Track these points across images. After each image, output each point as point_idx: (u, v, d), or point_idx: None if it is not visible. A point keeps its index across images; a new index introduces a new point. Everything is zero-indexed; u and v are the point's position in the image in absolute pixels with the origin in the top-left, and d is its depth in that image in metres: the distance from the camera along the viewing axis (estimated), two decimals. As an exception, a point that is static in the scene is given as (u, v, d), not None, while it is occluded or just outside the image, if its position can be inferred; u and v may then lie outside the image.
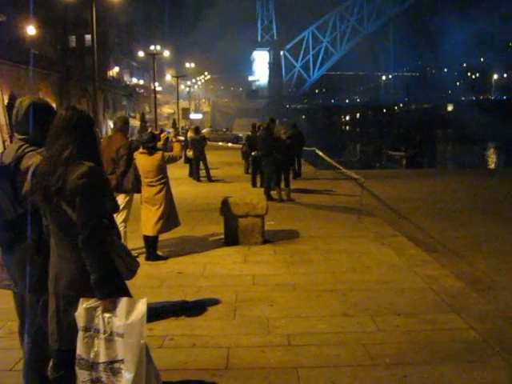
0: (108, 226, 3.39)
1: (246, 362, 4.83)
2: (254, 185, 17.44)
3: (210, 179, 19.60)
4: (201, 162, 19.75)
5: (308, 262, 8.30)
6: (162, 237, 8.74)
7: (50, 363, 3.52)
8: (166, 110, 75.20)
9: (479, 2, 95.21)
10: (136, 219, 8.65)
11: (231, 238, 9.40)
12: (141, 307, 3.12)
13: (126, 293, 3.29)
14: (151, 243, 8.32)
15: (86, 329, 3.09)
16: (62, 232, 3.24)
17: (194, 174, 19.70)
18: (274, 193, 14.42)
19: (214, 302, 6.45)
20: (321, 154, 23.44)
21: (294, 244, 9.46)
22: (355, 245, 9.37)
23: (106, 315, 3.09)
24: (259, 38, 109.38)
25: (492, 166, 45.80)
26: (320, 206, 13.64)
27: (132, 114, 57.29)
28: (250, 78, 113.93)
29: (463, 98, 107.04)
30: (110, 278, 3.14)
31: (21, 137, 3.77)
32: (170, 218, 8.40)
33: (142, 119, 32.32)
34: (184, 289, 6.92)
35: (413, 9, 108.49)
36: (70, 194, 3.14)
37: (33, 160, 3.57)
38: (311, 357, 4.92)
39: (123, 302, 3.12)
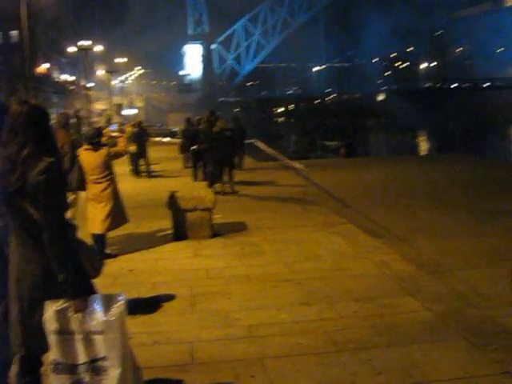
0: (70, 224, 3.28)
1: (210, 356, 4.78)
2: (195, 179, 17.32)
3: (150, 175, 19.38)
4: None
5: (259, 253, 8.29)
6: (109, 235, 8.55)
7: (12, 371, 3.40)
8: (99, 106, 73.90)
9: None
10: (82, 217, 8.44)
11: (180, 232, 9.29)
12: (119, 302, 3.04)
13: (93, 291, 3.19)
14: (99, 241, 8.12)
15: (60, 332, 2.97)
16: (25, 232, 3.11)
17: (134, 170, 19.41)
18: (217, 186, 14.35)
19: (170, 297, 6.36)
20: (261, 145, 23.49)
21: (243, 236, 9.44)
22: (304, 234, 9.42)
23: (79, 315, 2.98)
24: (190, 32, 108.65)
25: (424, 152, 46.94)
26: (265, 198, 13.66)
27: (61, 112, 55.79)
28: (182, 72, 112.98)
29: (392, 88, 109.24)
30: (79, 277, 3.04)
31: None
32: (117, 215, 8.23)
33: (76, 116, 31.72)
34: (137, 286, 6.81)
35: (342, 1, 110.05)
36: (31, 191, 3.01)
37: None
38: (275, 347, 4.92)
39: (98, 298, 3.03)
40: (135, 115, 70.63)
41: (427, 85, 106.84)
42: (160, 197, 10.91)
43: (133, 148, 19.03)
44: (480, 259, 7.85)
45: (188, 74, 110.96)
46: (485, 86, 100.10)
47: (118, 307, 3.03)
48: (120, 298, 3.08)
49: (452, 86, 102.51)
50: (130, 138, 19.13)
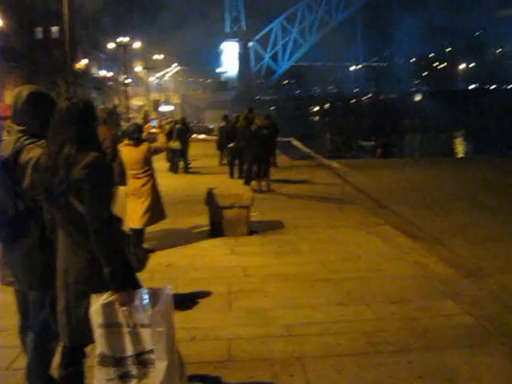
0: (116, 217, 3.32)
1: (248, 354, 4.79)
2: (231, 176, 17.38)
3: (187, 171, 19.52)
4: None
5: (296, 252, 8.28)
6: (147, 230, 8.62)
7: (56, 361, 3.45)
8: (136, 102, 74.59)
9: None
10: (121, 212, 8.52)
11: (217, 229, 9.34)
12: (166, 294, 3.08)
13: (139, 285, 3.22)
14: (138, 236, 8.20)
15: (107, 325, 3.01)
16: (72, 226, 3.15)
17: (174, 166, 19.57)
18: (253, 184, 14.37)
19: (207, 294, 6.39)
20: (297, 143, 23.46)
21: (280, 234, 9.44)
22: (341, 234, 9.38)
23: (126, 308, 3.01)
24: (227, 29, 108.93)
25: (461, 154, 46.35)
26: (300, 196, 13.64)
27: (102, 107, 56.52)
28: (219, 70, 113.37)
29: (430, 88, 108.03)
30: (125, 270, 3.07)
31: (19, 128, 3.64)
32: (156, 210, 8.30)
33: (115, 111, 32.12)
34: (175, 281, 6.84)
35: (380, 0, 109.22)
36: (77, 185, 3.05)
37: (32, 153, 3.45)
38: (313, 346, 4.90)
39: (144, 292, 3.06)
40: (172, 112, 71.17)
41: (469, 86, 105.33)
42: (197, 193, 10.98)
43: (176, 144, 19.20)
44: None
45: (224, 72, 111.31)
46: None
47: (165, 300, 3.06)
48: (167, 291, 3.11)
49: (491, 88, 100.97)
50: (174, 134, 19.43)
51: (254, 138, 14.37)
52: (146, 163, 8.21)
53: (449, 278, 6.85)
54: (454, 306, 5.84)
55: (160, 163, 19.17)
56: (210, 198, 9.34)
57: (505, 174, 17.86)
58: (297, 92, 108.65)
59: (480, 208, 12.07)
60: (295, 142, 24.47)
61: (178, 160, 19.58)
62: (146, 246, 8.42)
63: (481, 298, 6.12)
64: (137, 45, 63.67)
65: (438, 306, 5.86)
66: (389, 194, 14.09)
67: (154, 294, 3.07)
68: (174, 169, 19.55)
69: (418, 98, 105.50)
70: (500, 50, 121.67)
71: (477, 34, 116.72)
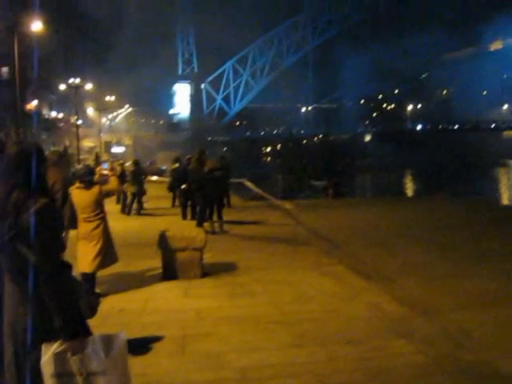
0: (65, 264, 3.27)
1: (202, 399, 4.73)
2: (184, 218, 17.30)
3: (140, 213, 19.39)
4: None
5: (250, 293, 8.26)
6: (99, 274, 8.49)
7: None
8: (87, 143, 74.01)
9: (394, 38, 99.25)
10: (72, 256, 8.38)
11: (170, 272, 9.25)
12: (120, 340, 3.02)
13: (90, 332, 3.16)
14: (89, 280, 8.06)
15: (59, 375, 2.93)
16: (20, 273, 3.08)
17: (128, 208, 19.43)
18: (206, 225, 14.33)
19: (161, 338, 6.30)
20: (250, 184, 23.58)
21: (233, 276, 9.41)
22: (294, 275, 9.40)
23: (78, 357, 2.95)
24: (180, 71, 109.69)
25: (412, 193, 47.24)
26: (254, 237, 13.65)
27: (52, 149, 55.86)
28: (171, 111, 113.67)
29: (379, 129, 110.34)
30: (76, 318, 3.02)
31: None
32: (107, 253, 8.19)
33: (65, 153, 31.78)
34: (128, 326, 6.72)
35: (330, 43, 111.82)
36: (25, 232, 2.99)
37: None
38: (268, 390, 4.87)
39: (97, 339, 3.01)
40: (123, 153, 70.79)
41: (416, 127, 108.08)
42: (150, 235, 10.90)
43: (132, 189, 19.15)
44: (471, 301, 7.85)
45: (177, 113, 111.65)
46: (469, 127, 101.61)
47: (119, 347, 3.01)
48: (120, 337, 3.06)
49: (438, 128, 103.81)
50: (128, 177, 19.40)
51: (207, 179, 14.39)
52: (98, 206, 8.13)
53: (402, 317, 6.92)
54: (407, 345, 5.89)
55: (112, 205, 19.03)
56: (163, 241, 9.28)
57: (454, 212, 18.25)
58: (248, 133, 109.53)
59: (431, 246, 12.25)
60: (248, 183, 24.57)
61: (132, 202, 19.46)
62: (97, 290, 8.27)
63: (434, 337, 6.19)
64: (88, 86, 63.48)
65: (392, 346, 5.91)
66: (341, 233, 14.21)
67: (107, 341, 3.02)
68: (126, 211, 19.40)
69: (368, 138, 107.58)
70: (445, 91, 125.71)
71: (423, 76, 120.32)
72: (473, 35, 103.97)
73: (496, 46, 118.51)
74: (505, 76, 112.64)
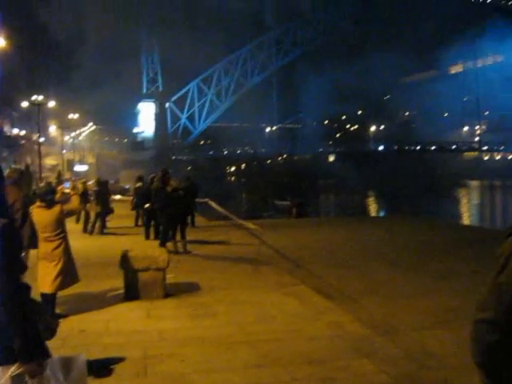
0: (25, 286, 3.22)
1: (163, 422, 4.68)
2: (147, 237, 17.17)
3: (102, 232, 19.20)
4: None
5: (212, 314, 8.23)
6: (59, 294, 8.37)
7: None
8: (50, 161, 73.13)
9: (357, 60, 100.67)
10: (32, 276, 8.25)
11: (132, 292, 9.17)
12: (80, 362, 2.98)
13: (49, 354, 3.11)
14: (49, 301, 7.94)
15: (17, 398, 2.88)
16: None
17: (91, 227, 19.24)
18: (169, 245, 14.25)
19: (122, 360, 6.23)
20: (214, 204, 23.55)
21: (196, 296, 9.36)
22: (257, 295, 9.40)
23: (36, 379, 2.89)
24: (144, 90, 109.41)
25: (374, 213, 47.73)
26: (217, 257, 13.61)
27: (13, 166, 55.11)
28: (135, 130, 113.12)
29: (342, 149, 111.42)
30: (34, 340, 2.96)
31: None
32: (68, 273, 8.09)
33: (27, 171, 31.28)
34: (88, 348, 6.63)
35: (294, 64, 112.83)
36: None
37: None
38: (230, 411, 4.85)
39: (56, 361, 2.96)
40: (86, 171, 70.11)
41: (378, 148, 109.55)
42: (112, 255, 10.80)
43: (96, 208, 18.99)
44: (433, 320, 7.93)
45: (141, 132, 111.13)
46: (430, 149, 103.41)
47: (78, 369, 2.97)
48: (80, 359, 3.01)
49: (400, 149, 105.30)
50: (92, 196, 19.28)
51: (170, 199, 14.34)
52: (59, 226, 8.03)
53: (364, 337, 6.97)
54: (369, 365, 5.93)
55: (72, 224, 18.81)
56: (125, 261, 9.20)
57: (416, 232, 18.48)
58: (212, 152, 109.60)
59: (394, 265, 12.38)
60: (212, 203, 24.54)
61: (95, 221, 19.27)
62: (57, 311, 8.15)
63: (396, 356, 6.25)
64: (52, 104, 62.82)
65: (355, 366, 5.93)
66: (304, 253, 14.26)
67: (67, 363, 2.98)
68: (89, 230, 19.20)
69: (331, 158, 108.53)
70: (407, 113, 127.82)
71: (386, 98, 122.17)
72: (434, 58, 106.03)
73: (456, 69, 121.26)
74: (465, 99, 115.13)
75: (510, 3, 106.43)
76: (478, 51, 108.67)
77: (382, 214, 46.01)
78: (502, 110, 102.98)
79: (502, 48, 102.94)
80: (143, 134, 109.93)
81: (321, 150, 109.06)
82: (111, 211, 20.40)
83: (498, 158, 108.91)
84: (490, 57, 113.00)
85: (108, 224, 20.42)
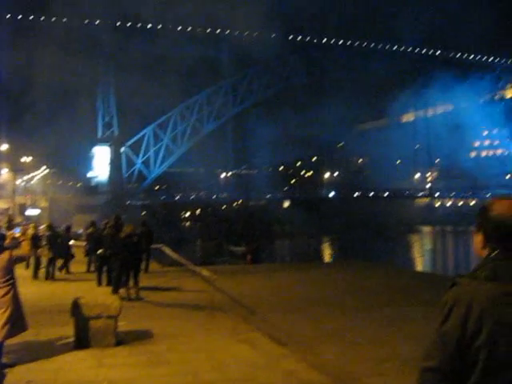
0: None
1: None
2: (99, 283, 16.87)
3: (53, 278, 18.79)
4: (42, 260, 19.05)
5: (166, 362, 8.09)
6: (6, 342, 8.10)
7: None
8: (0, 204, 71.62)
9: (312, 108, 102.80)
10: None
11: (83, 340, 8.95)
12: None
13: None
14: (-4, 350, 7.68)
15: None
16: None
17: (46, 273, 18.82)
18: (122, 292, 14.02)
19: (71, 411, 6.05)
20: (168, 250, 23.35)
21: (149, 344, 9.20)
22: (212, 342, 9.29)
23: None
24: (100, 134, 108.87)
25: (328, 259, 47.98)
26: (171, 304, 13.44)
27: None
28: (90, 174, 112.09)
29: (297, 195, 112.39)
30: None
31: None
32: (16, 321, 7.85)
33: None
34: (35, 399, 6.44)
35: (250, 110, 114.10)
36: None
37: None
38: None
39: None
40: (39, 215, 68.87)
41: (331, 194, 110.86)
42: (62, 302, 10.56)
43: (46, 254, 18.63)
44: (386, 366, 7.96)
45: (96, 176, 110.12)
46: (383, 195, 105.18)
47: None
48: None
49: (353, 195, 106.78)
50: (43, 242, 18.95)
51: (123, 245, 14.18)
52: (8, 272, 7.82)
53: (318, 385, 6.93)
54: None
55: (21, 270, 18.38)
56: (76, 308, 9.00)
57: (368, 277, 18.61)
58: (166, 197, 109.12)
59: (348, 311, 12.43)
60: (166, 249, 24.34)
61: (47, 267, 18.86)
62: (4, 360, 7.88)
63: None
64: (4, 147, 62.00)
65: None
66: (259, 300, 14.20)
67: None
68: (40, 276, 18.78)
69: (286, 204, 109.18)
70: (361, 160, 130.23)
71: (339, 145, 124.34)
72: (386, 107, 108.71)
73: (408, 117, 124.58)
74: (417, 146, 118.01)
75: (457, 56, 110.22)
76: (429, 101, 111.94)
77: (335, 259, 46.26)
78: (452, 158, 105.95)
79: (451, 98, 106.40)
80: (98, 179, 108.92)
81: (276, 195, 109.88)
82: (72, 257, 20.16)
83: (448, 204, 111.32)
84: (439, 106, 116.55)
85: (63, 270, 20.06)
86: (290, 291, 15.91)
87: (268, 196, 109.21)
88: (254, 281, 18.77)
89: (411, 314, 11.62)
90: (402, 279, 18.80)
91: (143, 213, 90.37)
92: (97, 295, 10.37)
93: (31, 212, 73.00)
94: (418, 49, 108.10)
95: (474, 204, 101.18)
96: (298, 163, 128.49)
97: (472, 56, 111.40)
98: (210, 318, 11.47)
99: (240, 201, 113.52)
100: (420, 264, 43.58)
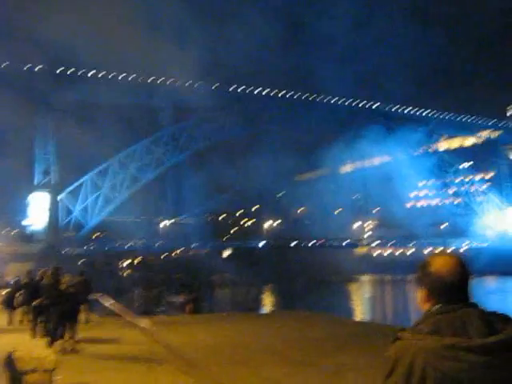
0: None
1: None
2: (35, 335, 16.30)
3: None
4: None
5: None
6: None
7: None
8: None
9: (252, 158, 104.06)
10: None
11: (16, 396, 8.58)
12: None
13: None
14: None
15: None
16: None
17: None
18: (58, 343, 13.59)
19: None
20: (106, 300, 22.84)
21: (85, 399, 8.91)
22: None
23: None
24: (37, 180, 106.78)
25: (269, 308, 47.81)
26: (109, 356, 13.09)
27: None
28: (25, 221, 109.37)
29: (237, 244, 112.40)
30: None
31: None
32: None
33: None
34: None
35: (190, 159, 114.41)
36: None
37: None
38: None
39: None
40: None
41: (270, 242, 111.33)
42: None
43: None
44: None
45: (31, 224, 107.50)
46: (322, 244, 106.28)
47: None
48: None
49: (292, 244, 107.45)
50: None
51: (62, 295, 13.82)
52: None
53: None
54: None
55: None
56: (9, 363, 8.66)
57: (309, 328, 18.61)
58: (106, 247, 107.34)
59: (288, 362, 12.37)
60: (104, 299, 23.82)
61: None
62: None
63: None
64: None
65: None
66: (199, 351, 13.99)
67: None
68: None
69: (227, 253, 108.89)
70: (302, 209, 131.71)
71: (279, 194, 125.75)
72: (325, 158, 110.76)
73: (346, 168, 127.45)
74: (355, 196, 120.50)
75: (393, 109, 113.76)
76: (365, 152, 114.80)
77: (276, 309, 46.15)
78: (389, 208, 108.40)
79: (389, 149, 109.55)
80: (33, 226, 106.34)
81: (215, 244, 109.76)
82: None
83: (386, 253, 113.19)
84: (376, 157, 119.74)
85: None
86: (232, 342, 15.75)
87: (208, 245, 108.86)
88: (194, 332, 18.52)
89: (353, 364, 11.64)
90: (342, 328, 18.89)
91: (80, 262, 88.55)
92: (32, 348, 10.02)
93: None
94: (356, 101, 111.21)
95: (411, 253, 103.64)
96: (239, 212, 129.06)
97: (407, 109, 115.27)
98: (149, 371, 11.20)
99: (178, 250, 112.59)
100: (360, 312, 43.88)
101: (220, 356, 13.40)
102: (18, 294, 20.54)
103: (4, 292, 21.07)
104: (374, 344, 13.87)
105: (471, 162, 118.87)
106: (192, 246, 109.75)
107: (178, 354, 13.51)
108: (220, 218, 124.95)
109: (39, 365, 8.68)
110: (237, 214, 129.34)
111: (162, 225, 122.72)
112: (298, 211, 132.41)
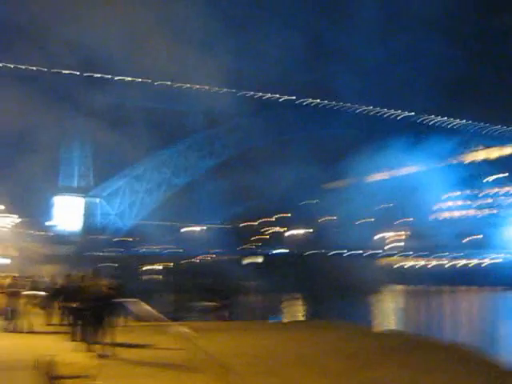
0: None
1: None
2: (73, 338, 16.34)
3: (16, 330, 18.27)
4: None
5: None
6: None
7: None
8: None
9: (277, 167, 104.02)
10: None
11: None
12: None
13: None
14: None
15: None
16: None
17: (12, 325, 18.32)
18: (97, 348, 13.64)
19: None
20: (144, 305, 22.93)
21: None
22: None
23: None
24: (74, 184, 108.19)
25: (302, 317, 47.52)
26: (144, 363, 13.05)
27: None
28: (61, 224, 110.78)
29: (267, 251, 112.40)
30: None
31: None
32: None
33: None
34: None
35: (220, 166, 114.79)
36: None
37: None
38: None
39: None
40: (8, 265, 67.56)
41: (303, 252, 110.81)
42: (27, 358, 10.04)
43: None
44: None
45: (68, 226, 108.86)
46: (357, 252, 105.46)
47: None
48: None
49: (316, 252, 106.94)
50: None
51: (101, 299, 13.89)
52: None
53: None
54: None
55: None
56: (50, 367, 8.61)
57: (343, 340, 18.40)
58: (139, 250, 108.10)
59: (325, 374, 12.20)
60: (138, 303, 23.89)
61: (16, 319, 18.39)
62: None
63: None
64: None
65: None
66: (238, 359, 13.88)
67: None
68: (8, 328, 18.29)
69: (250, 260, 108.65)
70: (328, 217, 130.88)
71: (305, 202, 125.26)
72: (352, 167, 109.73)
73: (372, 177, 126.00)
74: (383, 205, 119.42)
75: (423, 120, 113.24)
76: (395, 162, 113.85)
77: (309, 318, 45.81)
78: (423, 218, 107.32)
79: (418, 159, 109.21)
80: (69, 229, 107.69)
81: (238, 251, 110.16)
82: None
83: (419, 264, 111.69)
84: (406, 167, 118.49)
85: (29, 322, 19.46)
86: (270, 350, 15.56)
87: (231, 252, 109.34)
88: (229, 339, 18.41)
89: (394, 377, 11.44)
90: (377, 340, 18.62)
91: (115, 265, 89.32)
92: (72, 352, 10.04)
93: (1, 261, 71.57)
94: (383, 109, 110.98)
95: (446, 265, 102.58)
96: (263, 220, 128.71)
97: (438, 119, 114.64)
98: (188, 379, 11.15)
99: (213, 255, 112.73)
100: (393, 323, 43.30)
101: (258, 365, 13.28)
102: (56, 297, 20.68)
103: (42, 294, 21.22)
104: (412, 358, 13.66)
105: (506, 174, 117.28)
106: (215, 251, 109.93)
107: (217, 360, 13.44)
108: (243, 225, 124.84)
109: (82, 370, 8.66)
110: (261, 222, 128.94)
111: (195, 229, 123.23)
112: (325, 220, 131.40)
